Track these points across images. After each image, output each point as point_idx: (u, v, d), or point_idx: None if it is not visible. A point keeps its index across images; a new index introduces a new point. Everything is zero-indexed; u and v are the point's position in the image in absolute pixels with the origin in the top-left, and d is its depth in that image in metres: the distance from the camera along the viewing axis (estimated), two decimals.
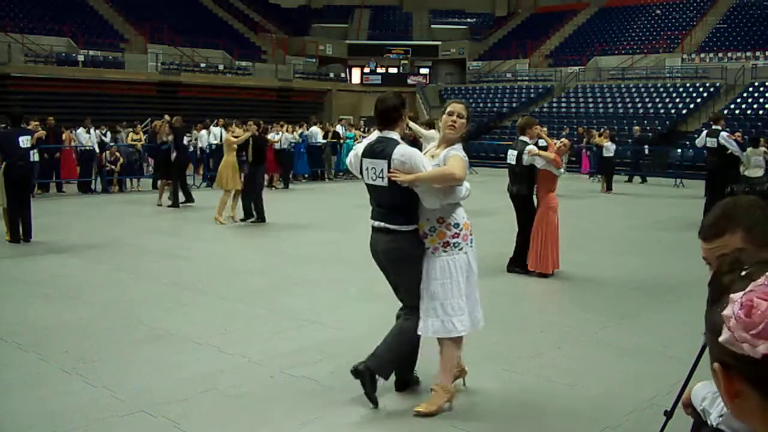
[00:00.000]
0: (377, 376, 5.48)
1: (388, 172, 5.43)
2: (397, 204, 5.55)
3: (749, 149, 17.03)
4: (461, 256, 5.52)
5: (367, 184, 5.72)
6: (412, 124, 17.25)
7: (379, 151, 5.52)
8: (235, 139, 15.22)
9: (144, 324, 7.71)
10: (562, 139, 11.31)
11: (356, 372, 5.44)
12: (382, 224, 5.63)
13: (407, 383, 5.91)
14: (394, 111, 5.61)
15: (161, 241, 13.01)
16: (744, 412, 1.11)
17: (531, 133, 10.39)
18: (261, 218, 15.33)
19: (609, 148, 23.84)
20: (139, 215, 16.54)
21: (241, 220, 15.37)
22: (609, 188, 23.42)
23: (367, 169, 5.64)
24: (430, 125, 17.99)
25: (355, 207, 18.47)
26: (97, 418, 5.21)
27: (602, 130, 27.14)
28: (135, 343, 7.04)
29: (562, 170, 10.37)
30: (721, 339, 1.07)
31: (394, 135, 5.59)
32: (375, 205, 5.78)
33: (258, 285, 9.71)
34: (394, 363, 5.68)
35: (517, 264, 10.40)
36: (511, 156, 10.35)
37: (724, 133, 15.27)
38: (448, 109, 5.73)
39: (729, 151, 15.57)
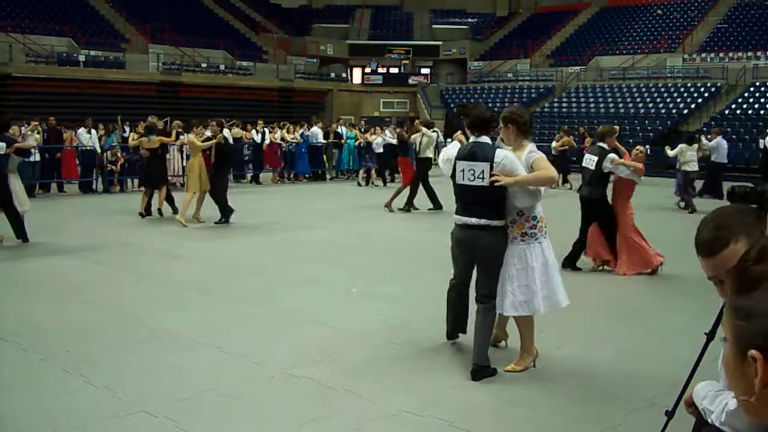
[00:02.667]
0: (485, 366, 6.24)
1: (490, 174, 6.04)
2: (492, 202, 6.19)
3: (684, 145, 18.98)
4: (536, 245, 6.27)
5: (459, 184, 6.32)
6: (424, 129, 17.36)
7: (479, 154, 6.17)
8: (200, 143, 14.95)
9: (145, 324, 7.71)
10: (638, 147, 11.41)
11: (473, 375, 6.18)
12: (474, 220, 6.24)
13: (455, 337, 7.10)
14: (487, 119, 6.35)
15: (162, 242, 13.00)
16: None
17: (610, 142, 10.74)
18: (225, 219, 15.18)
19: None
20: (138, 215, 16.52)
21: (216, 222, 15.15)
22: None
23: (462, 170, 6.25)
24: (429, 125, 18.03)
25: (355, 208, 18.48)
26: (97, 418, 5.21)
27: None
28: (136, 343, 7.04)
29: (642, 177, 10.70)
30: None
31: (488, 140, 6.28)
32: (466, 203, 6.34)
33: (259, 285, 9.70)
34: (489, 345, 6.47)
35: (571, 263, 10.68)
36: (589, 160, 10.67)
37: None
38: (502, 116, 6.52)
39: None
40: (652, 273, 10.51)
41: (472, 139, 6.36)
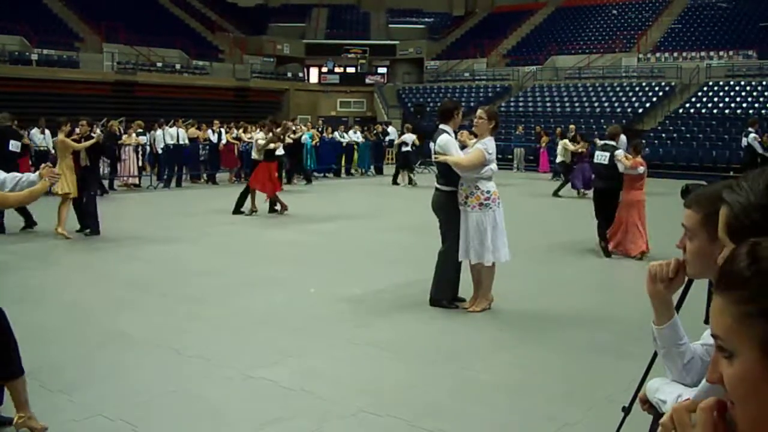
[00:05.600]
0: (441, 300, 8.38)
1: (434, 152, 8.36)
2: (441, 171, 8.50)
3: (596, 140, 20.33)
4: (490, 212, 8.12)
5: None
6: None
7: (434, 138, 8.48)
8: (74, 144, 13.54)
9: (101, 326, 7.63)
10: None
11: (431, 303, 8.38)
12: (435, 185, 8.55)
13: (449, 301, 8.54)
14: (445, 111, 8.55)
15: (119, 243, 12.86)
16: None
17: (619, 139, 12.68)
18: (94, 228, 13.60)
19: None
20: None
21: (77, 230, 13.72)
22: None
23: (432, 148, 8.51)
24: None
25: (317, 206, 18.46)
26: (53, 423, 5.14)
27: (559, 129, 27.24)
28: (92, 346, 6.96)
29: (641, 169, 11.86)
30: None
31: (447, 128, 8.41)
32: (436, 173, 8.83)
33: (216, 286, 9.64)
34: (449, 282, 8.45)
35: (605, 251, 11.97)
36: (602, 157, 12.12)
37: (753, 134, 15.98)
38: (477, 112, 8.43)
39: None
40: (636, 257, 11.62)
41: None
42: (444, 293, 8.41)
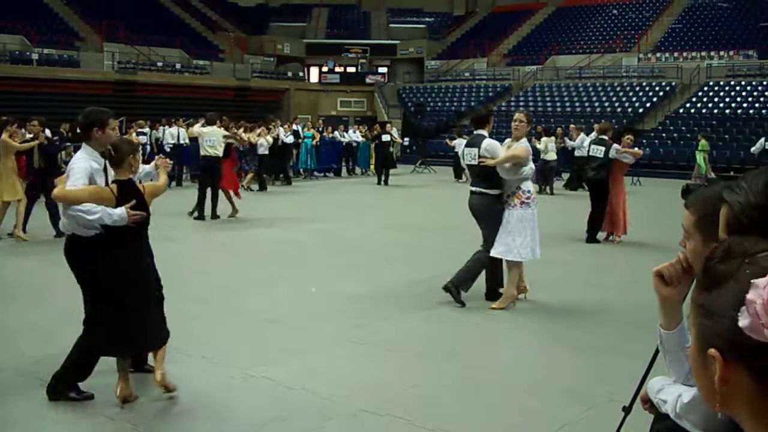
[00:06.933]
0: (459, 289, 8.51)
1: (479, 156, 8.46)
2: (482, 175, 8.54)
3: (545, 138, 23.33)
4: (529, 211, 8.47)
5: (467, 164, 8.97)
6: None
7: (475, 143, 8.62)
8: (17, 145, 12.99)
9: None
10: (628, 136, 14.28)
11: (445, 288, 8.49)
12: (474, 188, 8.70)
13: (494, 294, 8.78)
14: (481, 118, 8.94)
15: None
16: (730, 401, 1.13)
17: (609, 135, 13.84)
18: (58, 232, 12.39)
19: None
20: None
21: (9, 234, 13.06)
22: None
23: (467, 154, 8.72)
24: (210, 123, 16.67)
25: (318, 205, 18.45)
26: (53, 422, 5.14)
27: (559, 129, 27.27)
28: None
29: (632, 159, 13.55)
30: (742, 323, 1.08)
31: (484, 132, 8.70)
32: (471, 177, 9.05)
33: (217, 285, 9.64)
34: (473, 278, 8.64)
35: (592, 237, 13.36)
36: (597, 150, 13.37)
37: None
38: (515, 117, 8.81)
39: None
40: (607, 237, 13.40)
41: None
42: (463, 284, 8.55)
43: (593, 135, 15.10)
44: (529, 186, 8.58)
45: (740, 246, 1.18)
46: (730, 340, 1.10)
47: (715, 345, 1.12)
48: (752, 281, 1.09)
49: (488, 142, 8.50)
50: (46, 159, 13.37)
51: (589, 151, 13.83)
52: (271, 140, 22.35)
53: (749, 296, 1.08)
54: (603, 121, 17.21)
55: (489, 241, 8.51)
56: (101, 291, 5.51)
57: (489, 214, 8.52)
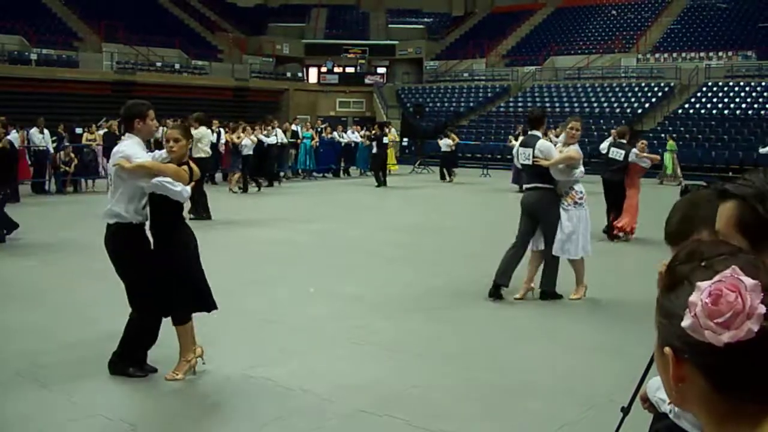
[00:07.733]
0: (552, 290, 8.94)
1: (533, 156, 8.83)
2: (537, 173, 8.90)
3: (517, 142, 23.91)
4: (582, 210, 8.87)
5: (521, 163, 9.22)
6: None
7: (529, 143, 9.00)
8: None
9: (101, 325, 7.59)
10: (642, 141, 15.00)
11: (542, 295, 8.92)
12: (530, 185, 9.14)
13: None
14: (535, 119, 9.31)
15: None
16: (686, 398, 1.17)
17: (628, 138, 14.32)
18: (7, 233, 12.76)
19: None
20: (94, 216, 16.28)
21: None
22: None
23: (521, 154, 9.11)
24: (201, 122, 16.81)
25: (316, 206, 18.45)
26: (52, 423, 5.14)
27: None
28: (91, 345, 6.94)
29: (649, 163, 14.09)
30: (684, 324, 1.11)
31: (538, 133, 9.10)
32: (526, 175, 9.43)
33: (215, 285, 9.55)
34: (556, 274, 8.96)
35: (610, 235, 13.62)
36: (617, 153, 13.74)
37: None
38: (570, 125, 9.27)
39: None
40: (621, 232, 13.46)
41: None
42: (554, 284, 8.94)
43: (610, 139, 15.52)
44: (581, 186, 8.99)
45: (699, 248, 1.22)
46: (683, 341, 1.13)
47: (672, 344, 1.16)
48: (696, 283, 1.13)
49: (542, 143, 8.93)
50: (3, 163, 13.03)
51: (608, 153, 14.19)
52: (255, 140, 22.24)
53: (691, 298, 1.12)
54: (622, 123, 18.30)
55: (549, 237, 8.80)
56: (172, 264, 6.25)
57: (546, 208, 8.85)
